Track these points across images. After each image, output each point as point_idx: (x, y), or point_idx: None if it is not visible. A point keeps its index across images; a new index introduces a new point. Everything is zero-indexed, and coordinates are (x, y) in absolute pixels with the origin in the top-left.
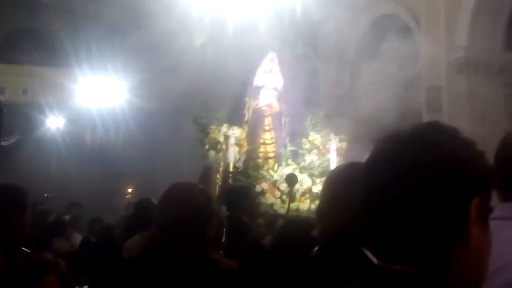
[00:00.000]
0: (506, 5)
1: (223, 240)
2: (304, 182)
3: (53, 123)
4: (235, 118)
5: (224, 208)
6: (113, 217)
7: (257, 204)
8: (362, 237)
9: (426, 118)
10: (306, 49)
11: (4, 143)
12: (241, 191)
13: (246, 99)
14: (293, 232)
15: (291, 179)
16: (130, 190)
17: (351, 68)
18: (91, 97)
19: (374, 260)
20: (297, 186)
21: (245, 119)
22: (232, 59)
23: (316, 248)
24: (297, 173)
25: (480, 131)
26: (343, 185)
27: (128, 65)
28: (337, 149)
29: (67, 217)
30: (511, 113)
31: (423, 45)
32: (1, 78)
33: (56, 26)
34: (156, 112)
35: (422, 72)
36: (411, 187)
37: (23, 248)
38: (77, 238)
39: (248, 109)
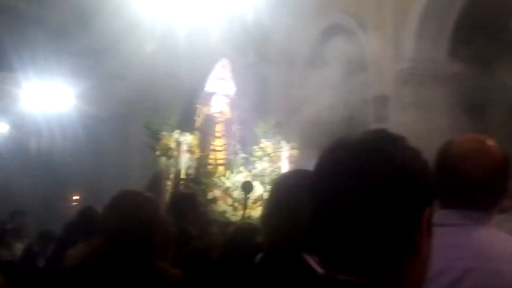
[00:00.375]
0: (450, 16)
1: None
2: (256, 189)
3: None
4: (186, 125)
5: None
6: (58, 225)
7: (204, 212)
8: (305, 244)
9: (372, 127)
10: (257, 56)
11: None
12: (187, 199)
13: (198, 105)
14: (241, 239)
15: (247, 187)
16: (76, 197)
17: (300, 76)
18: (36, 102)
19: (317, 268)
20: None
21: (196, 125)
22: (183, 65)
23: (259, 255)
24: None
25: (425, 140)
26: (287, 192)
27: (75, 70)
28: (288, 157)
29: (9, 226)
30: (455, 122)
31: (370, 55)
32: None
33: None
34: (104, 119)
35: (370, 81)
36: (365, 198)
37: None
38: (20, 247)
39: (199, 115)
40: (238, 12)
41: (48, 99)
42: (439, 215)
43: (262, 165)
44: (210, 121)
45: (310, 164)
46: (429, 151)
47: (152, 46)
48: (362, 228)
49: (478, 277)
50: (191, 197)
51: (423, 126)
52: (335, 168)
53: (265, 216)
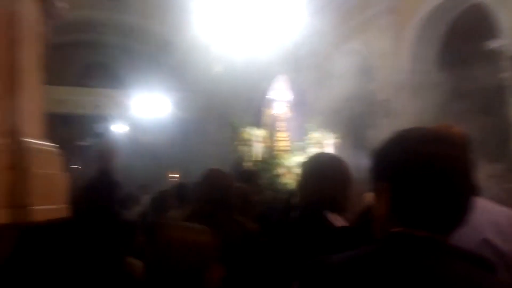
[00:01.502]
0: (436, 39)
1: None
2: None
3: (118, 129)
4: (256, 123)
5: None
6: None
7: (261, 184)
8: (329, 205)
9: (380, 124)
10: (292, 75)
11: (83, 144)
12: (251, 174)
13: (262, 108)
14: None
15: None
16: (174, 175)
17: (327, 87)
18: (144, 109)
19: (335, 223)
20: None
21: (263, 123)
22: (241, 82)
23: (296, 212)
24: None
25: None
26: (318, 168)
27: (170, 86)
28: (333, 144)
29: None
30: (442, 119)
31: (377, 69)
32: (79, 98)
33: (119, 60)
34: (191, 120)
35: (376, 89)
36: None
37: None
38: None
39: (265, 116)
40: (281, 41)
41: (152, 107)
42: None
43: (313, 151)
44: (274, 119)
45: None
46: None
47: (220, 68)
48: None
49: None
50: (252, 172)
51: (416, 121)
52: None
53: (300, 184)
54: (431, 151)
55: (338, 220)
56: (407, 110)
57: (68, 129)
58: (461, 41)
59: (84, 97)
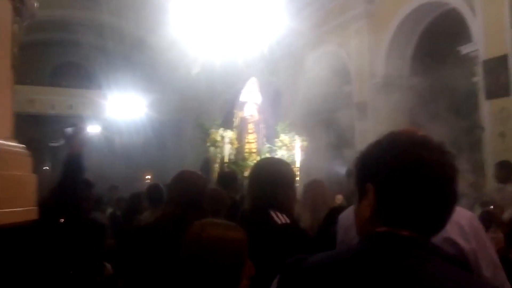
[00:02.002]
0: (411, 43)
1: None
2: None
3: (92, 129)
4: (227, 124)
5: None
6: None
7: (242, 184)
8: (272, 205)
9: (356, 124)
10: (271, 76)
11: (54, 145)
12: (230, 175)
13: (235, 110)
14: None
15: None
16: (148, 176)
17: (303, 89)
18: (118, 110)
19: (278, 220)
20: None
21: (234, 124)
22: (218, 83)
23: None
24: None
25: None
26: (257, 172)
27: (145, 87)
28: (300, 146)
29: (105, 197)
30: (414, 118)
31: (353, 72)
32: (52, 98)
33: (92, 59)
34: (166, 122)
35: (353, 91)
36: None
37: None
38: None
39: (236, 118)
40: (257, 42)
41: (126, 108)
42: None
43: (281, 153)
44: (244, 121)
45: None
46: None
47: (198, 69)
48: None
49: None
50: (233, 174)
51: (391, 122)
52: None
53: (249, 187)
54: (419, 154)
55: (281, 218)
56: (382, 112)
57: (40, 130)
58: (435, 45)
59: (57, 97)
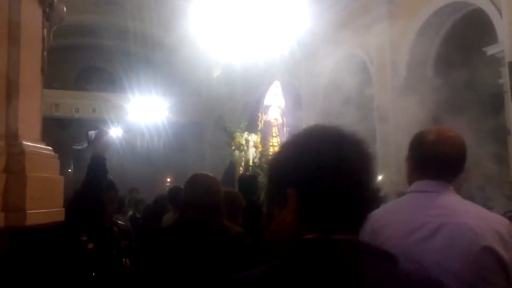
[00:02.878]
0: (434, 44)
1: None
2: None
3: (114, 132)
4: (251, 128)
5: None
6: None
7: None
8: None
9: (378, 127)
10: (292, 78)
11: (77, 147)
12: (252, 179)
13: (259, 114)
14: None
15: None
16: (168, 179)
17: (324, 92)
18: (140, 113)
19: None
20: None
21: (259, 128)
22: (239, 85)
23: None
24: None
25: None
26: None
27: (166, 91)
28: None
29: (126, 199)
30: (436, 120)
31: (375, 75)
32: (76, 101)
33: (116, 63)
34: (186, 124)
35: (374, 95)
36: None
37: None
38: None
39: (261, 121)
40: (278, 44)
41: (148, 111)
42: (419, 184)
43: None
44: (268, 125)
45: None
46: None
47: (217, 73)
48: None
49: (452, 228)
50: (253, 177)
51: (413, 124)
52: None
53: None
54: (338, 152)
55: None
56: (404, 115)
57: (65, 133)
58: (459, 46)
59: (81, 101)
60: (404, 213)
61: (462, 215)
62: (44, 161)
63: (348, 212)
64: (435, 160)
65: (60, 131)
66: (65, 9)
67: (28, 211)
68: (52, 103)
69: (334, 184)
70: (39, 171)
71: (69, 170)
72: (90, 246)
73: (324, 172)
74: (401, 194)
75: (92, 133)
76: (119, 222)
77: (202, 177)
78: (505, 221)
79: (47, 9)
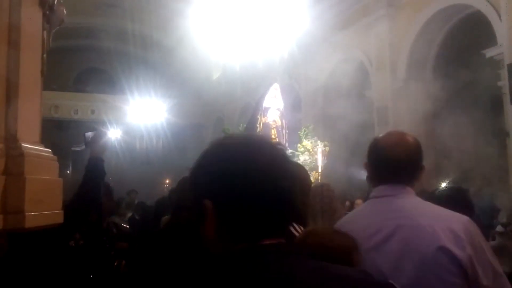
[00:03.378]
0: (433, 47)
1: None
2: None
3: (113, 134)
4: (250, 131)
5: None
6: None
7: None
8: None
9: (377, 129)
10: (291, 80)
11: (76, 149)
12: None
13: (258, 116)
14: None
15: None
16: (167, 181)
17: (323, 94)
18: (139, 115)
19: (296, 234)
20: None
21: (257, 130)
22: (238, 88)
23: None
24: None
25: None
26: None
27: (165, 92)
28: (322, 151)
29: (124, 201)
30: (436, 124)
31: (374, 77)
32: (75, 103)
33: (115, 65)
34: (186, 126)
35: (374, 97)
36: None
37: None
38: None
39: (260, 123)
40: (278, 50)
41: (147, 113)
42: (377, 190)
43: (303, 158)
44: (267, 127)
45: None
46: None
47: (217, 75)
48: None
49: (406, 231)
50: None
51: (413, 126)
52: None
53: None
54: (248, 159)
55: (298, 231)
56: (403, 117)
57: (63, 134)
58: (458, 48)
59: (80, 102)
60: (363, 219)
61: (417, 216)
62: (43, 163)
63: (269, 218)
64: (389, 164)
65: (59, 132)
66: (65, 11)
67: (27, 213)
68: (51, 104)
69: (247, 192)
70: (38, 174)
71: (68, 172)
72: (81, 242)
73: (236, 180)
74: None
75: (89, 134)
76: (122, 225)
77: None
78: (464, 219)
79: (47, 12)
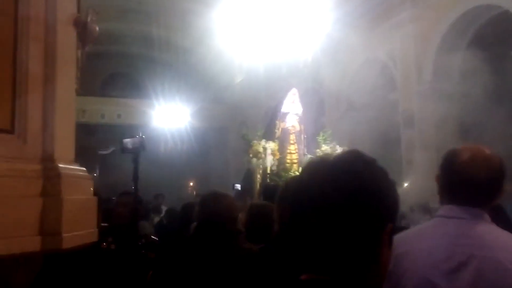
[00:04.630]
0: (461, 48)
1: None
2: None
3: (140, 139)
4: (269, 135)
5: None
6: (180, 203)
7: None
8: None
9: (403, 133)
10: (315, 84)
11: (103, 152)
12: (274, 189)
13: (277, 121)
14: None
15: None
16: (191, 184)
17: (347, 97)
18: (164, 119)
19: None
20: None
21: (276, 135)
22: (262, 92)
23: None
24: None
25: (442, 141)
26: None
27: (190, 97)
28: None
29: (151, 205)
30: (462, 128)
31: (400, 80)
32: (102, 107)
33: (141, 70)
34: (209, 130)
35: (399, 99)
36: (335, 215)
37: None
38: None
39: (278, 129)
40: (301, 50)
41: (172, 117)
42: (446, 208)
43: None
44: (286, 132)
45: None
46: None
47: (240, 79)
48: (335, 240)
49: (481, 263)
50: (276, 188)
51: (439, 130)
52: (312, 185)
53: (279, 210)
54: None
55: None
56: (430, 120)
57: (91, 138)
58: (486, 50)
59: (107, 107)
60: (428, 240)
61: (491, 247)
62: (79, 183)
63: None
64: (467, 184)
65: (87, 136)
66: (97, 28)
67: (64, 235)
68: (79, 109)
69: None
70: (75, 194)
71: (95, 174)
72: (112, 246)
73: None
74: (427, 210)
75: (127, 141)
76: (152, 237)
77: (214, 195)
78: None
79: (81, 30)
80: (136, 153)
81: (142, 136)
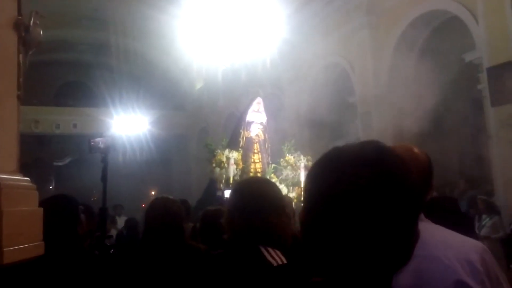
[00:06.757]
0: (414, 52)
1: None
2: (283, 190)
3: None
4: (233, 144)
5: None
6: (140, 213)
7: None
8: (261, 239)
9: (362, 134)
10: (274, 89)
11: (58, 163)
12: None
13: (241, 130)
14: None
15: None
16: (152, 193)
17: (308, 103)
18: (123, 128)
19: (273, 261)
20: None
21: (240, 145)
22: (222, 98)
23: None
24: (277, 184)
25: (399, 141)
26: (240, 197)
27: (149, 105)
28: (305, 166)
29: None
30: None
31: (358, 84)
32: (57, 117)
33: (97, 78)
34: (169, 138)
35: (357, 102)
36: (359, 204)
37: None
38: (114, 233)
39: (242, 138)
40: (260, 58)
41: (130, 125)
42: None
43: (286, 172)
44: (250, 142)
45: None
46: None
47: (200, 86)
48: (354, 234)
49: (421, 262)
50: (218, 212)
51: (396, 131)
52: (332, 176)
53: (229, 216)
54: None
55: (275, 257)
56: (387, 122)
57: (45, 149)
58: (438, 53)
59: (62, 117)
60: None
61: (429, 245)
62: (22, 194)
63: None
64: None
65: (41, 147)
66: (41, 32)
67: (5, 249)
68: (31, 119)
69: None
70: (17, 205)
71: (51, 187)
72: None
73: None
74: None
75: (98, 140)
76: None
77: (162, 200)
78: (479, 247)
79: (23, 34)
80: (106, 152)
81: (112, 135)
